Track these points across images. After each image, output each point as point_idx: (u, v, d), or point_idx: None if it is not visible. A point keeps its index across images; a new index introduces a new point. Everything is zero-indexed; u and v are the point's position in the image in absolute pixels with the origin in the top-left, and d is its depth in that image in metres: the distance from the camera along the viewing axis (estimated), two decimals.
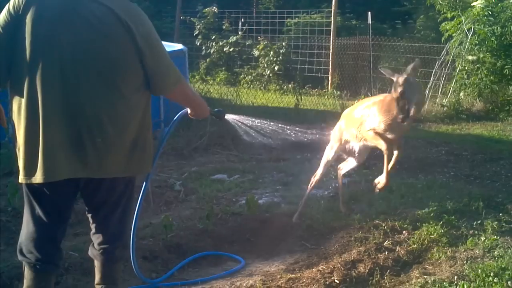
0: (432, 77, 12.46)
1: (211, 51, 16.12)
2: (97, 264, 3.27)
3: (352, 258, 4.33)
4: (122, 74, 2.83)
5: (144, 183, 3.72)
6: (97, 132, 2.80)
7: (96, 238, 3.19)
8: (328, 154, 5.44)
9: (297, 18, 16.47)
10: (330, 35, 14.48)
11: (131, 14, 2.83)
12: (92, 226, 3.20)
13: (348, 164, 5.54)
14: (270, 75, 15.16)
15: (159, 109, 8.52)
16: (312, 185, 5.44)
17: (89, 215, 3.18)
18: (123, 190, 3.08)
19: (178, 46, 10.01)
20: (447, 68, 12.37)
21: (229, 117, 4.06)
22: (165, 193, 5.87)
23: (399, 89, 4.47)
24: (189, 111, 3.48)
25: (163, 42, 9.35)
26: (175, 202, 5.73)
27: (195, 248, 4.62)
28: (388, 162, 4.75)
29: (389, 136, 4.78)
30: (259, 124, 4.65)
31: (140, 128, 2.97)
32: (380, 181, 4.90)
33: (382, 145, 4.78)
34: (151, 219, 5.13)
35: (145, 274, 4.04)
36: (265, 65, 15.28)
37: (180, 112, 3.69)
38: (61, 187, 2.85)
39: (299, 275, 4.10)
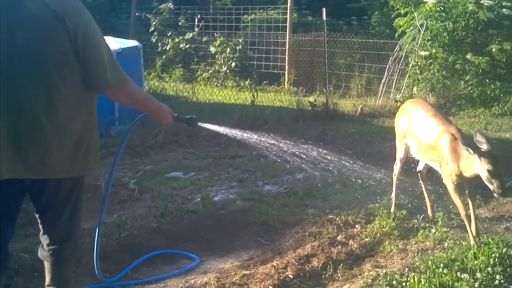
0: (385, 73, 12.64)
1: (167, 48, 15.98)
2: (47, 265, 3.21)
3: (306, 253, 4.40)
4: (60, 72, 2.77)
5: (107, 185, 3.72)
6: (36, 132, 2.75)
7: (45, 239, 3.14)
8: (399, 150, 5.39)
9: (253, 15, 16.47)
10: (286, 31, 14.55)
11: (68, 9, 2.77)
12: (41, 227, 3.14)
13: (422, 164, 5.41)
14: (227, 71, 15.12)
15: (113, 107, 8.42)
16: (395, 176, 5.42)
17: (37, 215, 3.13)
18: (70, 190, 3.03)
19: (133, 43, 9.89)
20: (400, 64, 12.56)
21: (202, 125, 3.99)
22: (119, 192, 5.80)
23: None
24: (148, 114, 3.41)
25: (118, 39, 9.15)
26: (129, 201, 5.68)
27: (149, 247, 4.59)
28: (469, 224, 4.61)
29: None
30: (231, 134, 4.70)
31: (84, 128, 2.92)
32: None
33: (459, 206, 4.69)
34: (105, 218, 5.04)
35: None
36: (222, 62, 15.23)
37: (139, 117, 3.63)
38: (6, 187, 2.79)
39: (253, 271, 4.14)
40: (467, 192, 4.77)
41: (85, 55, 2.80)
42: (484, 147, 4.30)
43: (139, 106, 3.33)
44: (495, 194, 4.40)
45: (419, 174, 5.44)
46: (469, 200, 4.75)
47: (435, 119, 4.91)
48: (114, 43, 8.71)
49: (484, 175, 4.33)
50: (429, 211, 5.30)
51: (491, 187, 4.36)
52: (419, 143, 5.01)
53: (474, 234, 4.57)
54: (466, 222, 4.62)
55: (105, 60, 2.88)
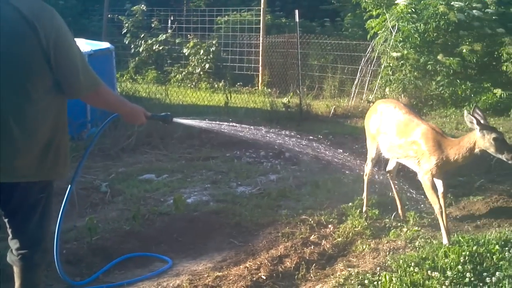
0: (358, 74, 12.74)
1: (140, 50, 15.88)
2: (16, 270, 3.16)
3: (279, 254, 4.40)
4: (30, 76, 2.74)
5: (69, 185, 3.67)
6: (5, 136, 2.72)
7: (14, 244, 3.09)
8: (370, 150, 5.38)
9: (226, 16, 16.47)
10: (259, 33, 14.58)
11: (39, 14, 2.74)
12: (9, 231, 3.09)
13: (392, 164, 5.45)
14: (201, 73, 15.08)
15: (85, 109, 8.35)
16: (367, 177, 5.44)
17: (6, 220, 3.07)
18: (40, 194, 2.99)
19: (105, 45, 9.80)
20: (372, 65, 12.67)
21: (178, 120, 4.02)
22: (90, 195, 5.74)
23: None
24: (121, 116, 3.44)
25: (90, 41, 9.07)
26: (101, 204, 5.62)
27: (121, 250, 4.55)
28: (442, 218, 4.68)
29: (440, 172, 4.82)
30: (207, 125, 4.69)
31: (53, 132, 2.89)
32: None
33: (435, 202, 4.76)
34: (76, 222, 5.01)
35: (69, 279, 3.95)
36: (196, 64, 15.17)
37: (111, 117, 3.64)
38: None
39: (226, 272, 4.13)
40: (440, 190, 4.82)
41: (58, 60, 2.79)
42: (482, 121, 4.48)
43: (112, 108, 3.38)
44: (510, 162, 4.48)
45: (388, 174, 5.48)
46: (441, 198, 4.80)
47: (410, 116, 4.98)
48: (86, 45, 8.64)
49: (493, 146, 4.44)
50: (399, 211, 5.35)
51: (503, 156, 4.46)
52: (394, 140, 5.03)
53: (447, 228, 4.65)
54: (440, 219, 4.68)
55: (78, 64, 2.87)
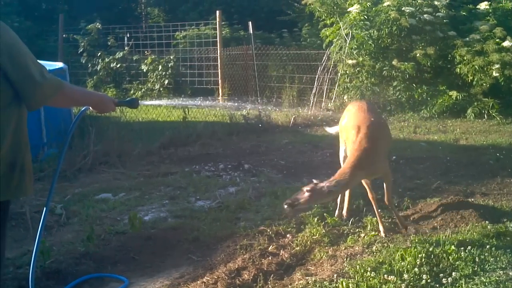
0: (316, 83, 12.82)
1: (98, 68, 15.77)
2: None
3: (236, 266, 4.36)
4: None
5: (45, 207, 3.76)
6: None
7: None
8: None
9: (183, 31, 16.46)
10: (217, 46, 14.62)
11: None
12: None
13: None
14: (161, 89, 15.06)
15: (41, 130, 8.21)
16: None
17: None
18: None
19: (58, 65, 9.69)
20: (329, 73, 12.77)
21: (145, 103, 4.12)
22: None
23: None
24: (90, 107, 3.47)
25: (43, 62, 9.04)
26: (56, 226, 5.50)
27: (76, 273, 4.44)
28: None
29: None
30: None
31: (15, 148, 2.82)
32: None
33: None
34: (30, 246, 4.88)
35: None
36: (155, 80, 15.15)
37: (81, 111, 3.67)
38: None
39: None
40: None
41: (15, 74, 2.73)
42: None
43: (81, 103, 3.48)
44: None
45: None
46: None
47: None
48: None
49: None
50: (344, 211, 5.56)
51: None
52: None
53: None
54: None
55: (36, 73, 2.80)
